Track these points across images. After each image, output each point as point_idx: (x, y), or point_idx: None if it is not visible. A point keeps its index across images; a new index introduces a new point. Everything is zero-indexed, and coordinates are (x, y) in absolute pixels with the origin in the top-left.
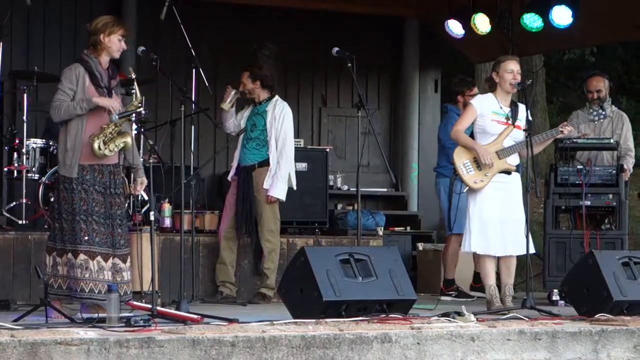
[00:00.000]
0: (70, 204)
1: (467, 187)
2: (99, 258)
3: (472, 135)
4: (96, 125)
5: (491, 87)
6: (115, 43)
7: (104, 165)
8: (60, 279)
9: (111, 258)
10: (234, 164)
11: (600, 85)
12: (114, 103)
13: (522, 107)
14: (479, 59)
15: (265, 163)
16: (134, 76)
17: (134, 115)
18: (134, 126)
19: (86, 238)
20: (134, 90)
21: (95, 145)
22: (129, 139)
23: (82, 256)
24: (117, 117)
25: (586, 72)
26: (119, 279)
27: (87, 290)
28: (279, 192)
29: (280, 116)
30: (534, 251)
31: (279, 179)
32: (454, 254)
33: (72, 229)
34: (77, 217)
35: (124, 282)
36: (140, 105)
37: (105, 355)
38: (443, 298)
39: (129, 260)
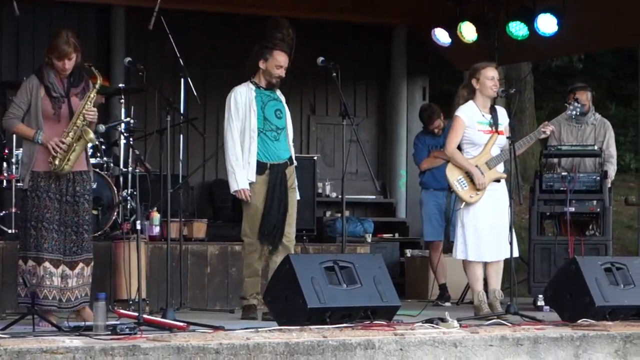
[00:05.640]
0: (24, 212)
1: (464, 203)
2: (46, 264)
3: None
4: (51, 135)
5: (469, 94)
6: (56, 63)
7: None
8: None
9: (62, 265)
10: (251, 164)
11: (583, 98)
12: (53, 142)
13: (501, 111)
14: (466, 67)
15: (291, 160)
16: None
17: (121, 124)
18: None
19: (35, 244)
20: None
21: (54, 168)
22: (90, 135)
23: (30, 262)
24: (103, 127)
25: (570, 83)
26: (63, 285)
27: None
28: None
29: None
30: (516, 255)
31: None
32: (442, 259)
33: (24, 236)
34: (28, 224)
35: (67, 289)
36: (96, 86)
37: None
38: (446, 304)
39: (79, 267)
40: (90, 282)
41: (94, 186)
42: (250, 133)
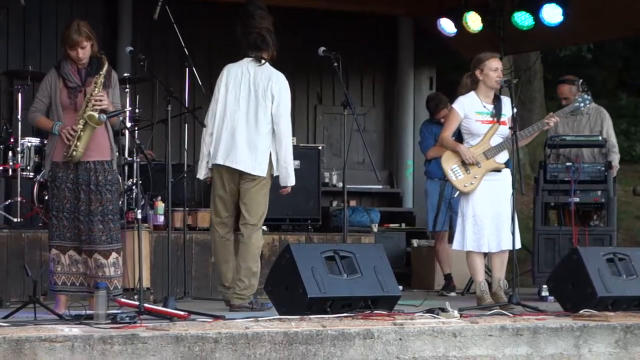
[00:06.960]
0: (49, 202)
1: (458, 192)
2: (71, 252)
3: (460, 138)
4: (70, 125)
5: (473, 84)
6: (70, 53)
7: (80, 161)
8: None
9: (85, 252)
10: None
11: (565, 92)
12: (65, 130)
13: (506, 101)
14: (472, 56)
15: None
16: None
17: (121, 114)
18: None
19: (57, 233)
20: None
21: (70, 156)
22: (94, 120)
23: (54, 251)
24: (104, 117)
25: (579, 73)
26: (100, 273)
27: (59, 283)
28: None
29: None
30: (519, 246)
31: None
32: (447, 249)
33: (49, 226)
34: (51, 214)
35: (105, 277)
36: (102, 72)
37: (89, 351)
38: (451, 294)
39: (113, 255)
40: (122, 272)
41: None
42: None
